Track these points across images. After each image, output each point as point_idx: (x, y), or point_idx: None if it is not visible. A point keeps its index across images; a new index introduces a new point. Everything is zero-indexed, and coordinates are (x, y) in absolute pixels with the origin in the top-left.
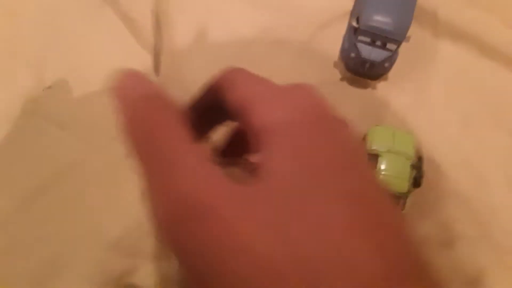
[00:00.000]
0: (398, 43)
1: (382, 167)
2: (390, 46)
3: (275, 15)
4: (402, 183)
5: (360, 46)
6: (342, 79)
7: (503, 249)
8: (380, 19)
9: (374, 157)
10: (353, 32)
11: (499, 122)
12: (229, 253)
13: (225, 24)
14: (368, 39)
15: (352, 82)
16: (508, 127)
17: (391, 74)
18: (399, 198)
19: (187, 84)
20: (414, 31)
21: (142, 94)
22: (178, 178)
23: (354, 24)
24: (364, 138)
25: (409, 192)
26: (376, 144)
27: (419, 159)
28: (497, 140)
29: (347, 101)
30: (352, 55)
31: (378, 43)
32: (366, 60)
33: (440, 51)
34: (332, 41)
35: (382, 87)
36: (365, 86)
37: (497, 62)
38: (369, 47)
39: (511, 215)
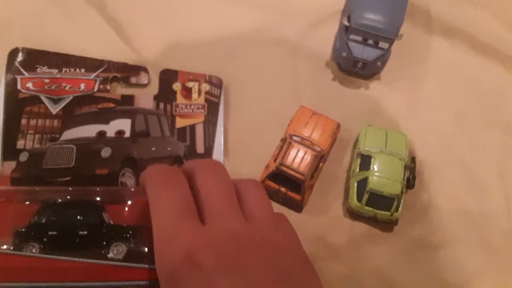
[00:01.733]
0: (391, 41)
1: (375, 168)
2: (382, 44)
3: (266, 14)
4: (395, 185)
5: (352, 45)
6: (334, 79)
7: (496, 251)
8: (371, 17)
9: (366, 158)
10: (345, 31)
11: (493, 120)
12: None
13: (216, 24)
14: (359, 38)
15: (344, 82)
16: (502, 125)
17: (383, 73)
18: (392, 199)
19: None
20: (406, 29)
21: None
22: None
23: (345, 22)
24: (356, 139)
25: (402, 193)
26: (368, 144)
27: (412, 160)
28: (491, 139)
29: (339, 101)
30: (344, 54)
31: (370, 41)
32: (358, 59)
33: (434, 49)
34: (324, 41)
35: (374, 87)
36: (357, 86)
37: (491, 59)
38: (361, 46)
39: (505, 217)
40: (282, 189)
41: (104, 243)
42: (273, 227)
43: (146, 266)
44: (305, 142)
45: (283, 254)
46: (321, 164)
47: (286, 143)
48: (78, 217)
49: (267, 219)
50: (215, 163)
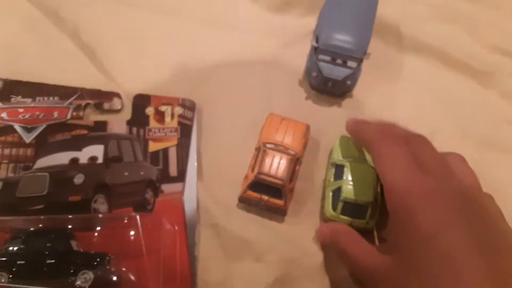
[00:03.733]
0: (359, 60)
1: (348, 177)
2: (351, 63)
3: (238, 36)
4: (367, 192)
5: (321, 64)
6: (307, 98)
7: None
8: (338, 37)
9: (340, 168)
10: (314, 51)
11: (466, 135)
12: None
13: (188, 48)
14: (328, 58)
15: (317, 101)
16: (475, 140)
17: (356, 91)
18: (366, 207)
19: None
20: (377, 47)
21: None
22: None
23: (314, 43)
24: (331, 149)
25: (377, 201)
26: (343, 153)
27: None
28: (465, 154)
29: (313, 119)
30: (314, 74)
31: (339, 61)
32: (327, 78)
33: (405, 66)
34: (297, 60)
35: (347, 104)
36: (330, 104)
37: (463, 74)
38: (330, 66)
39: None
40: (264, 197)
41: (72, 271)
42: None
43: None
44: (278, 148)
45: (495, 219)
46: (297, 167)
47: (260, 151)
48: (46, 245)
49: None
50: (424, 138)
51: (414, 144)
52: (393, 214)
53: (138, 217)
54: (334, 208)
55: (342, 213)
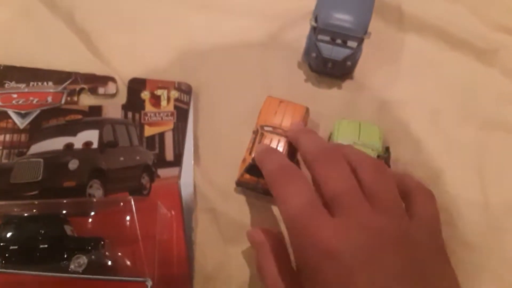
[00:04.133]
0: (359, 40)
1: None
2: (351, 43)
3: (235, 19)
4: None
5: (320, 45)
6: (306, 80)
7: (473, 248)
8: (338, 17)
9: None
10: (313, 31)
11: (469, 115)
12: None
13: (185, 31)
14: (327, 38)
15: (317, 83)
16: (478, 121)
17: (356, 72)
18: None
19: None
20: (378, 27)
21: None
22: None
23: (313, 23)
24: (330, 133)
25: None
26: (341, 138)
27: (386, 149)
28: (468, 135)
29: (312, 102)
30: (313, 55)
31: (339, 41)
32: (327, 59)
33: (406, 46)
34: (296, 42)
35: (347, 86)
36: (330, 86)
37: (465, 53)
38: (330, 46)
39: (482, 214)
40: (261, 180)
41: (66, 255)
42: (403, 216)
43: (105, 277)
44: (277, 131)
45: (418, 246)
46: (297, 150)
47: (258, 134)
48: (39, 230)
49: (395, 206)
50: (333, 152)
51: (320, 170)
52: (300, 266)
53: (133, 201)
54: None
55: None
